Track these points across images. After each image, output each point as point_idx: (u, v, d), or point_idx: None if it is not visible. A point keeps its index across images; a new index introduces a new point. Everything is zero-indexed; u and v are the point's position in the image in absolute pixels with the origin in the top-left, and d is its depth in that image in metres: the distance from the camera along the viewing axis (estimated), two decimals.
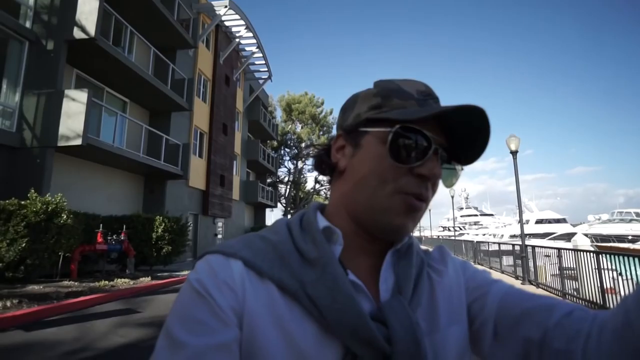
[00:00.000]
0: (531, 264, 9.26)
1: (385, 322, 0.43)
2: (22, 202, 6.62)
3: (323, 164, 0.54)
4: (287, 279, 0.44)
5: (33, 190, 6.95)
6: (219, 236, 18.17)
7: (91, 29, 8.70)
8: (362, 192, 0.47)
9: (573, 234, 24.27)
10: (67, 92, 8.48)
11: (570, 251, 7.64)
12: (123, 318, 5.32)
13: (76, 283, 7.13)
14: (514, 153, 10.00)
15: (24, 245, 6.30)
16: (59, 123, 8.24)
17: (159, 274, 9.44)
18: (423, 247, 0.60)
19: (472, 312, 0.51)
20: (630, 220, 22.49)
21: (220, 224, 18.33)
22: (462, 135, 0.47)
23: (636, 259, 5.12)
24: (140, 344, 4.17)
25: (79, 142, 8.18)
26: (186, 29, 14.03)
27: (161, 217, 10.35)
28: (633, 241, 19.79)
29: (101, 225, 8.63)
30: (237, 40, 19.40)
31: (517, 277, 10.09)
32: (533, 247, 9.50)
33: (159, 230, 10.11)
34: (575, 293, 6.83)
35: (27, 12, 8.83)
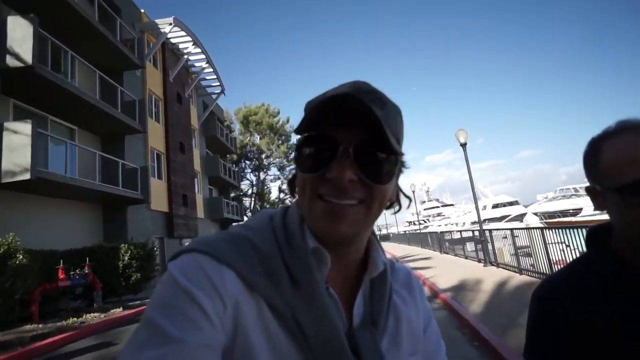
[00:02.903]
0: (490, 247, 10.00)
1: (357, 353, 0.45)
2: None
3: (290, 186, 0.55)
4: (278, 301, 0.44)
5: None
6: None
7: (27, 56, 8.26)
8: (300, 204, 0.50)
9: (525, 214, 26.26)
10: (6, 124, 7.99)
11: (522, 230, 8.40)
12: (100, 353, 5.14)
13: (40, 325, 6.69)
14: (463, 145, 10.77)
15: None
16: (1, 158, 7.73)
17: (130, 303, 9.05)
18: (387, 254, 0.62)
19: None
20: (571, 196, 24.75)
21: (187, 244, 17.77)
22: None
23: (577, 230, 5.71)
24: None
25: (27, 176, 7.72)
26: (131, 49, 13.64)
27: (126, 245, 9.95)
28: (574, 214, 21.82)
29: (61, 261, 8.14)
30: (186, 57, 19.11)
31: (479, 261, 10.81)
32: (490, 230, 10.27)
33: (126, 259, 9.71)
34: (531, 268, 7.43)
35: None
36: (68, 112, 10.67)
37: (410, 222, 70.42)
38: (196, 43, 18.92)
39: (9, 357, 4.79)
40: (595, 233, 0.76)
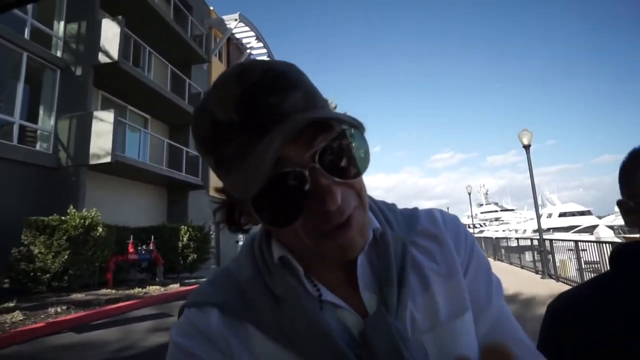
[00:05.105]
0: (551, 258, 9.27)
1: (370, 344, 0.41)
2: (63, 218, 7.23)
3: (232, 223, 0.46)
4: (264, 322, 0.43)
5: (72, 207, 7.54)
6: (240, 243, 18.62)
7: (114, 53, 9.32)
8: (294, 248, 0.44)
9: (596, 226, 23.59)
10: (95, 113, 9.10)
11: (591, 243, 7.63)
12: (158, 322, 5.74)
13: (113, 291, 7.65)
14: (527, 147, 10.06)
15: (66, 257, 6.91)
16: (90, 143, 8.85)
17: (186, 281, 9.92)
18: (404, 207, 0.54)
19: None
20: None
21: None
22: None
23: None
24: None
25: (108, 159, 8.76)
26: (199, 44, 14.66)
27: (186, 227, 10.86)
28: None
29: (131, 236, 9.15)
30: (249, 51, 19.99)
31: (537, 272, 10.10)
32: (551, 240, 9.51)
33: (185, 239, 10.61)
34: None
35: (58, 42, 9.55)
36: (143, 102, 11.82)
37: (465, 225, 67.07)
38: (259, 38, 19.69)
39: (90, 313, 5.64)
40: (622, 251, 0.71)
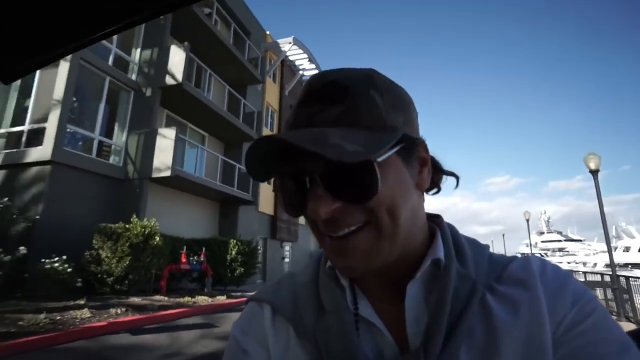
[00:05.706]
0: (628, 297, 8.17)
1: None
2: (127, 226, 7.87)
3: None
4: (302, 327, 0.43)
5: (135, 215, 8.19)
6: (286, 260, 18.89)
7: (179, 76, 10.18)
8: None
9: None
10: (160, 130, 9.93)
11: None
12: (204, 331, 5.92)
13: (165, 298, 8.08)
14: (594, 172, 9.14)
15: (127, 262, 7.48)
16: (153, 157, 9.65)
17: (233, 293, 10.18)
18: (502, 254, 0.47)
19: None
20: None
21: (287, 247, 19.07)
22: None
23: None
24: (219, 354, 4.63)
25: (168, 173, 9.45)
26: (255, 66, 15.52)
27: (235, 240, 11.24)
28: None
29: (184, 246, 9.68)
30: (301, 72, 20.76)
31: (610, 312, 8.93)
32: (627, 277, 8.41)
33: (233, 253, 10.97)
34: None
35: (133, 67, 10.69)
36: (202, 120, 12.69)
37: (523, 254, 62.08)
38: (311, 59, 20.40)
39: (144, 317, 6.00)
40: None
